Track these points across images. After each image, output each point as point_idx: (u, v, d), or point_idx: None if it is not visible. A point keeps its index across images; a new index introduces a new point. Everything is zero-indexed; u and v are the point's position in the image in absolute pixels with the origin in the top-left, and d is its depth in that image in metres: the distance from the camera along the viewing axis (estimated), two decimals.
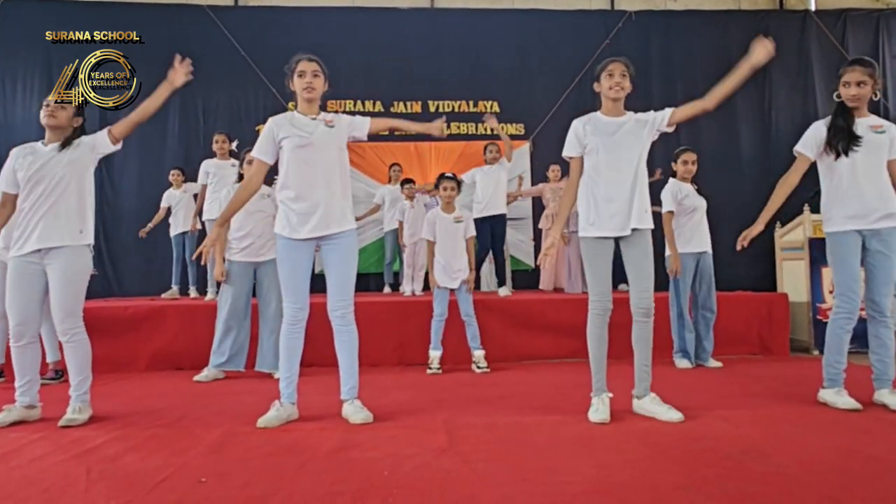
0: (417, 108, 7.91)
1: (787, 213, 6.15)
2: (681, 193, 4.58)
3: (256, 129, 7.70)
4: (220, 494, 1.96)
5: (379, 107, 7.86)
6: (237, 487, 2.02)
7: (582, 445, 2.44)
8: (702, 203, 4.64)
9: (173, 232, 6.37)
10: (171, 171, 6.49)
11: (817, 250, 5.48)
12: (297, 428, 2.80)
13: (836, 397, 3.10)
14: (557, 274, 6.64)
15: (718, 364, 4.55)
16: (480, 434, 2.64)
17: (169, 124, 7.60)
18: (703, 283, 4.63)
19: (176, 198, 6.37)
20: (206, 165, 5.77)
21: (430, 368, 4.43)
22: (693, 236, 4.60)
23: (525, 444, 2.48)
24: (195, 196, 6.17)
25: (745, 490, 1.92)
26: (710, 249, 4.67)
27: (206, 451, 2.44)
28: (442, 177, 4.62)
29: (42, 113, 3.04)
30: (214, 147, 5.77)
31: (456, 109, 7.95)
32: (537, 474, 2.10)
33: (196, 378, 4.19)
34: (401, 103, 7.90)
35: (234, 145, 5.77)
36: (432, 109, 7.92)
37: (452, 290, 4.51)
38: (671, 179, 4.68)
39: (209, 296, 5.72)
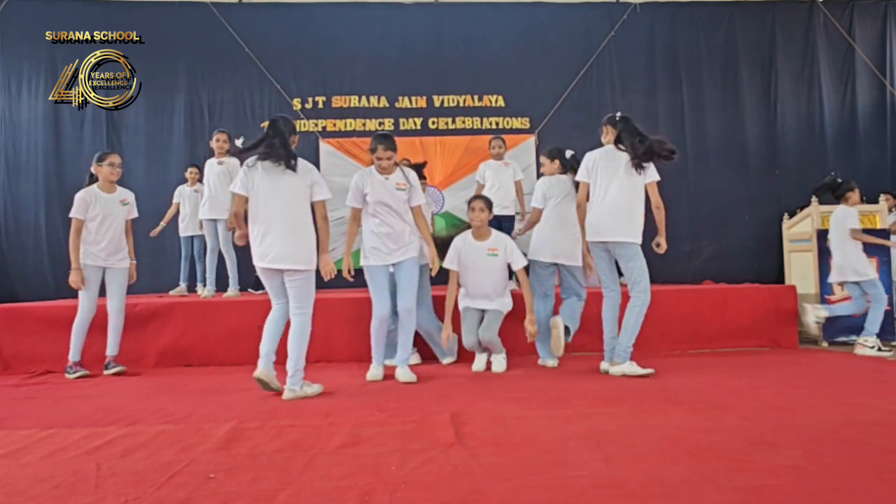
0: (422, 103, 7.89)
1: (795, 205, 6.13)
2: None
3: (262, 125, 7.70)
4: (228, 490, 1.97)
5: (384, 102, 7.84)
6: (246, 483, 2.03)
7: (589, 439, 2.44)
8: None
9: (182, 234, 6.38)
10: (189, 168, 6.47)
11: (826, 242, 5.46)
12: (305, 423, 2.81)
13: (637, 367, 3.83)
14: None
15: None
16: (488, 428, 2.64)
17: (174, 122, 7.58)
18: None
19: (186, 195, 6.38)
20: (207, 166, 5.78)
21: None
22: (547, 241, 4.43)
23: (533, 439, 2.48)
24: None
25: (754, 483, 1.92)
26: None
27: (214, 447, 2.45)
28: (473, 198, 4.39)
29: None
30: (214, 145, 5.68)
31: (461, 104, 7.92)
32: (545, 468, 2.10)
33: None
34: (405, 98, 7.88)
35: (239, 142, 5.74)
36: (437, 104, 7.90)
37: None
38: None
39: (206, 292, 5.73)
